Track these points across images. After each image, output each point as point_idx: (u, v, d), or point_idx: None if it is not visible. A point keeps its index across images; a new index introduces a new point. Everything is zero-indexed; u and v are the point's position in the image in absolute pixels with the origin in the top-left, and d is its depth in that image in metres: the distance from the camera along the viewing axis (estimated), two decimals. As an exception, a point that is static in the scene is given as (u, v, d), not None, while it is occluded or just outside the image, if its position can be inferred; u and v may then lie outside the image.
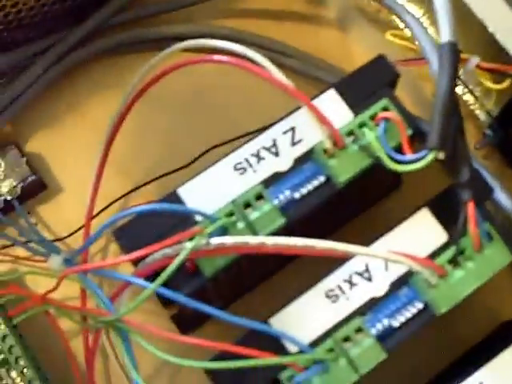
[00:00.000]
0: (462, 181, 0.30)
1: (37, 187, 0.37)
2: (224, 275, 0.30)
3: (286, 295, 0.30)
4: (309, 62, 0.38)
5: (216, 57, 0.29)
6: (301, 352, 0.29)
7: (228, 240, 0.29)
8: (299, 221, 0.30)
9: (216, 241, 0.29)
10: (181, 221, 0.30)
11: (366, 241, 0.30)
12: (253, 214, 0.30)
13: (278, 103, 0.31)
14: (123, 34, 0.39)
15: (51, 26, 0.37)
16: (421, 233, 0.31)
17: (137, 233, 0.30)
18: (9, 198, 0.36)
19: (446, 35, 0.30)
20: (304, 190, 0.31)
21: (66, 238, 0.36)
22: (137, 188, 0.36)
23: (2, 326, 0.33)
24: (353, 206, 0.35)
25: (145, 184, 0.36)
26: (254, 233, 0.30)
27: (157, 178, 0.36)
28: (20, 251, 0.36)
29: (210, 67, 0.31)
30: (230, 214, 0.30)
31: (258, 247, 0.28)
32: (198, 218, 0.30)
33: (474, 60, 0.36)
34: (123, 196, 0.36)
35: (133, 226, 0.30)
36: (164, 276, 0.28)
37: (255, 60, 0.29)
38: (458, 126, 0.30)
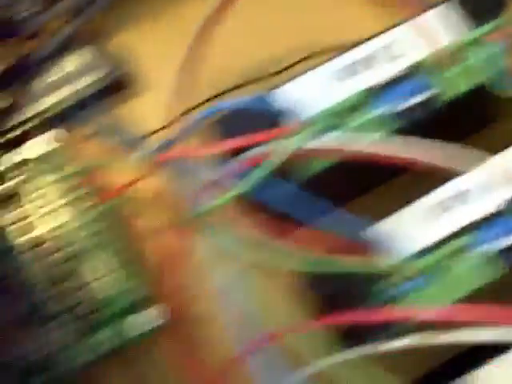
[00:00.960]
0: None
1: (121, 84, 0.36)
2: (317, 182, 0.29)
3: (386, 210, 0.29)
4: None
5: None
6: (406, 260, 0.28)
7: (327, 142, 0.28)
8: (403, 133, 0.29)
9: (314, 142, 0.28)
10: (276, 123, 0.29)
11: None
12: (353, 122, 0.29)
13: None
14: None
15: None
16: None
17: (230, 130, 0.29)
18: (91, 91, 0.35)
19: None
20: (405, 104, 0.29)
21: (149, 135, 0.35)
22: (227, 91, 0.34)
23: (87, 211, 0.33)
24: (451, 131, 0.34)
25: (235, 88, 0.34)
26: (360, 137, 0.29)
27: (250, 82, 0.34)
28: (103, 145, 0.35)
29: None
30: (330, 119, 0.29)
31: (359, 153, 0.27)
32: (297, 120, 0.29)
33: None
34: (212, 98, 0.34)
35: (223, 123, 0.29)
36: (257, 174, 0.27)
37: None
38: None
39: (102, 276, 0.33)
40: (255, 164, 0.28)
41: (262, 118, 0.29)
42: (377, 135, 0.29)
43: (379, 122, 0.29)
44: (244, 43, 0.36)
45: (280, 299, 0.33)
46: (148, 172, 0.31)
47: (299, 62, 0.33)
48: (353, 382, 0.27)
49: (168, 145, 0.32)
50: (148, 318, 0.32)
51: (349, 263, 0.27)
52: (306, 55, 0.33)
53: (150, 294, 0.32)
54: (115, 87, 0.36)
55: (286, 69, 0.34)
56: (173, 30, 0.37)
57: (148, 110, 0.36)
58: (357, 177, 0.31)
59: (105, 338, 0.32)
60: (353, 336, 0.29)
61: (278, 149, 0.28)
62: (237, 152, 0.29)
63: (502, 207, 0.29)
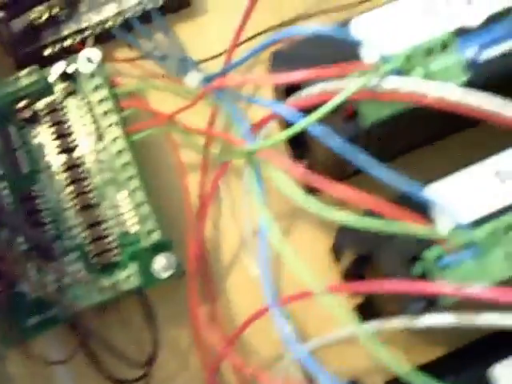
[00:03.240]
0: None
1: (179, 2, 0.33)
2: (386, 129, 0.26)
3: (451, 165, 0.26)
4: None
5: None
6: (457, 230, 0.25)
7: (404, 84, 0.24)
8: (483, 84, 0.26)
9: (389, 83, 0.24)
10: (348, 58, 0.26)
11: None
12: (434, 64, 0.26)
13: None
14: None
15: None
16: None
17: (295, 61, 0.26)
18: (149, 6, 0.32)
19: None
20: (495, 51, 0.26)
21: (206, 60, 0.32)
22: (294, 20, 0.31)
23: (120, 140, 0.30)
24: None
25: (307, 16, 0.31)
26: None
27: (320, 13, 0.31)
28: (153, 66, 0.32)
29: None
30: (409, 59, 0.25)
31: (437, 100, 0.24)
32: (371, 57, 0.25)
33: None
34: (277, 26, 0.31)
35: (291, 53, 0.26)
36: (320, 112, 0.24)
37: None
38: None
39: (127, 211, 0.30)
40: (320, 101, 0.25)
41: (336, 50, 0.26)
42: (455, 84, 0.25)
43: (462, 69, 0.26)
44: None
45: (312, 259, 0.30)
46: (195, 100, 0.28)
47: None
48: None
49: (224, 72, 0.29)
50: (168, 263, 0.29)
51: (397, 225, 0.24)
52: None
53: (171, 239, 0.30)
54: (171, 5, 0.33)
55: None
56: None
57: (209, 33, 0.33)
58: (424, 125, 0.28)
59: (123, 277, 0.30)
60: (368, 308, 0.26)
61: (347, 86, 0.24)
62: (300, 86, 0.26)
63: None
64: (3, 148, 0.31)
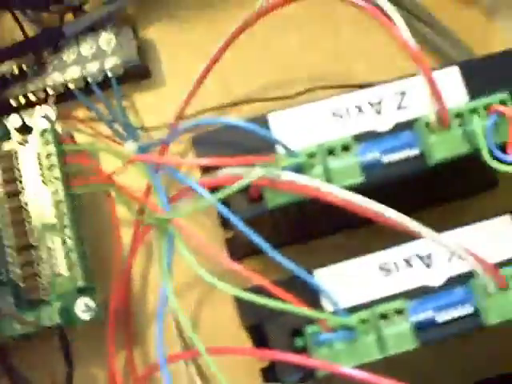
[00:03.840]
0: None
1: (140, 73, 0.37)
2: (285, 214, 0.29)
3: (341, 256, 0.29)
4: (441, 33, 0.36)
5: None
6: (335, 312, 0.28)
7: (300, 179, 0.27)
8: (378, 187, 0.29)
9: (288, 176, 0.28)
10: (261, 147, 0.29)
11: (439, 230, 0.28)
12: (334, 163, 0.29)
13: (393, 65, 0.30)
14: None
15: None
16: (497, 238, 0.29)
17: (215, 144, 0.29)
18: (110, 74, 0.36)
19: None
20: (393, 157, 0.29)
21: (149, 130, 0.35)
22: (234, 104, 0.35)
23: (60, 192, 0.33)
24: (438, 192, 0.33)
25: (242, 103, 0.34)
26: (329, 182, 0.28)
27: (256, 101, 0.34)
28: (103, 129, 0.35)
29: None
30: (311, 155, 0.29)
31: (328, 196, 0.27)
32: (280, 149, 0.29)
33: None
34: (219, 108, 0.35)
35: (214, 136, 0.30)
36: (227, 192, 0.28)
37: (387, 12, 0.28)
38: None
39: (59, 256, 0.33)
40: (225, 183, 0.28)
41: (251, 140, 0.29)
42: (351, 183, 0.29)
43: (359, 171, 0.29)
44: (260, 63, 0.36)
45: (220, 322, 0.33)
46: (126, 165, 0.32)
47: (304, 92, 0.33)
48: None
49: (151, 146, 0.32)
50: (88, 307, 0.32)
51: (283, 303, 0.27)
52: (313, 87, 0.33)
53: (94, 286, 0.33)
54: (132, 75, 0.36)
55: (288, 97, 0.34)
56: (202, 36, 0.37)
57: (163, 104, 0.37)
58: (319, 218, 0.31)
59: (47, 314, 0.33)
60: (271, 373, 0.29)
61: (252, 173, 0.28)
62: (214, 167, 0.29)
63: (440, 283, 0.29)
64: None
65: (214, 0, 0.37)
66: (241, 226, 0.28)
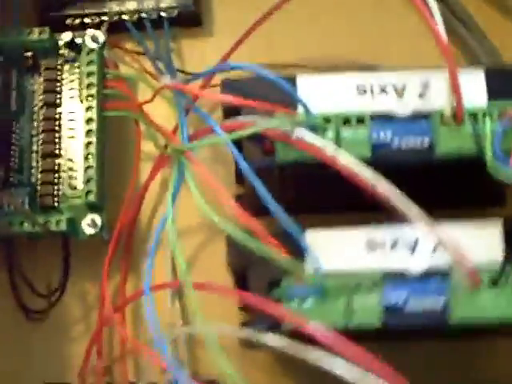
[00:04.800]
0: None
1: (192, 19, 0.39)
2: (296, 177, 0.31)
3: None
4: (476, 35, 0.38)
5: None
6: (314, 271, 0.29)
7: (310, 137, 0.29)
8: (383, 167, 0.30)
9: (301, 132, 0.29)
10: (285, 103, 0.30)
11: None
12: (346, 132, 0.30)
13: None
14: None
15: None
16: (485, 241, 0.30)
17: (242, 91, 0.31)
18: (163, 14, 0.37)
19: None
20: (404, 142, 0.30)
21: (189, 74, 0.37)
22: (278, 66, 0.37)
23: (93, 110, 0.35)
24: (439, 193, 0.34)
25: (286, 66, 0.37)
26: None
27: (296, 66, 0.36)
28: (147, 65, 0.38)
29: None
30: (327, 120, 0.30)
31: (331, 159, 0.29)
32: (300, 108, 0.30)
33: None
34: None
35: (242, 83, 0.31)
36: (240, 133, 0.29)
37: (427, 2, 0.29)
38: None
39: (78, 169, 0.35)
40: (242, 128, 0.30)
41: (276, 94, 0.31)
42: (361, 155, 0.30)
43: (368, 147, 0.30)
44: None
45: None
46: (154, 95, 0.34)
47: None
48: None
49: (188, 80, 0.34)
50: (94, 223, 0.35)
51: (266, 249, 0.28)
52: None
53: (105, 205, 0.35)
54: (184, 20, 0.38)
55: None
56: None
57: (203, 53, 0.39)
58: (331, 190, 0.33)
59: (55, 220, 0.35)
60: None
61: (267, 122, 0.29)
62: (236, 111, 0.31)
63: (419, 271, 0.30)
64: (1, 83, 0.36)
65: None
66: (246, 168, 0.29)
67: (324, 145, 0.29)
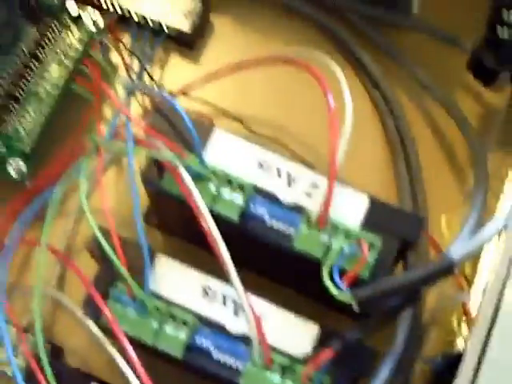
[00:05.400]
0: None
1: (186, 41, 0.43)
2: (180, 208, 0.34)
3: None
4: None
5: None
6: (144, 289, 0.33)
7: (188, 180, 0.33)
8: (245, 238, 0.34)
9: (183, 172, 0.33)
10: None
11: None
12: (225, 191, 0.34)
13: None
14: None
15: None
16: (292, 331, 0.34)
17: (167, 119, 0.35)
18: (164, 27, 0.42)
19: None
20: (274, 223, 0.34)
21: (158, 85, 0.42)
22: (225, 114, 0.41)
23: (62, 76, 0.40)
24: (287, 274, 0.37)
25: (233, 118, 0.41)
26: (212, 202, 0.34)
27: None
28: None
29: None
30: (214, 173, 0.34)
31: (195, 205, 0.33)
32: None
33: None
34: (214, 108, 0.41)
35: (170, 113, 0.35)
36: (141, 151, 0.34)
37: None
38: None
39: (27, 119, 0.40)
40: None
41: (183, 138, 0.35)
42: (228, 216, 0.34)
43: (239, 213, 0.34)
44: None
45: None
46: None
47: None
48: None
49: (135, 89, 0.39)
50: (21, 171, 0.39)
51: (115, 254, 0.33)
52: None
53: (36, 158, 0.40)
54: (180, 38, 0.43)
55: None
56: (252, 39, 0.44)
57: (181, 72, 0.43)
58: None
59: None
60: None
61: (163, 153, 0.34)
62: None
63: (234, 332, 0.33)
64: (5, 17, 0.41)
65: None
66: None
67: (194, 192, 0.33)
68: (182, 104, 0.36)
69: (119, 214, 0.36)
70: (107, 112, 0.41)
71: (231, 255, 0.32)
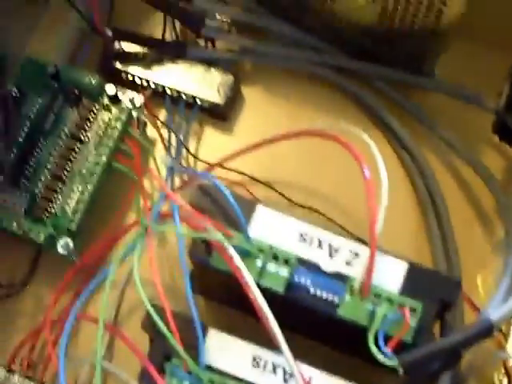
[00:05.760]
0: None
1: (220, 114, 0.45)
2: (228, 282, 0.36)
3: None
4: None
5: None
6: (199, 362, 0.35)
7: (237, 259, 0.35)
8: (291, 307, 0.36)
9: (233, 252, 0.35)
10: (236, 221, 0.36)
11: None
12: (271, 266, 0.36)
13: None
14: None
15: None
16: None
17: (211, 197, 0.37)
18: (198, 101, 0.44)
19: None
20: (318, 292, 0.36)
21: (196, 158, 0.44)
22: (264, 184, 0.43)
23: (103, 157, 0.42)
24: (336, 339, 0.39)
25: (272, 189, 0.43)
26: (259, 276, 0.35)
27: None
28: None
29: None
30: (260, 250, 0.36)
31: (244, 281, 0.34)
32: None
33: None
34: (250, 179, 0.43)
35: (214, 192, 0.37)
36: (191, 233, 0.35)
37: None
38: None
39: (72, 199, 0.42)
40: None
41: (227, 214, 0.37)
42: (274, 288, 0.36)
43: (285, 284, 0.36)
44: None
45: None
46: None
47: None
48: None
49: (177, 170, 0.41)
50: (69, 247, 0.41)
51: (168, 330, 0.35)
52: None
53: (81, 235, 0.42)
54: (214, 111, 0.45)
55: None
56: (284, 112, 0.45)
57: (217, 144, 0.45)
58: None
59: (36, 230, 0.42)
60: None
61: (211, 233, 0.35)
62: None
63: None
64: (48, 104, 0.43)
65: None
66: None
67: (243, 270, 0.34)
68: (218, 174, 0.39)
69: (163, 283, 0.37)
70: (150, 185, 0.42)
71: (278, 321, 0.33)
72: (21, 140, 0.42)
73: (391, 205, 0.36)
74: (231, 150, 0.42)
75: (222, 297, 0.40)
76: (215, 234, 0.35)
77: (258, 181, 0.43)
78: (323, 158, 0.43)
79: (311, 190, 0.43)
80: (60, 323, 0.40)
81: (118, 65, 0.45)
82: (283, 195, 0.42)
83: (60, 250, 0.41)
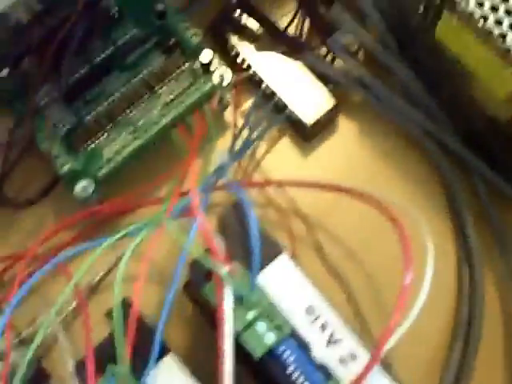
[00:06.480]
0: None
1: (303, 131, 0.40)
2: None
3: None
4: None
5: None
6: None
7: (228, 302, 0.31)
8: (260, 372, 0.32)
9: (227, 293, 0.31)
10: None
11: None
12: (259, 325, 0.32)
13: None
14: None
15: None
16: None
17: (240, 220, 0.33)
18: (293, 116, 0.40)
19: None
20: (294, 376, 0.32)
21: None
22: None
23: (167, 118, 0.39)
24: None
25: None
26: (242, 327, 0.32)
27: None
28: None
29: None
30: (257, 304, 0.32)
31: (221, 330, 0.31)
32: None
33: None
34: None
35: (242, 213, 0.33)
36: (200, 258, 0.32)
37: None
38: None
39: (117, 145, 0.39)
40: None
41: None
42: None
43: (267, 347, 0.32)
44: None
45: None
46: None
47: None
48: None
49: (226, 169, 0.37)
50: (87, 191, 0.38)
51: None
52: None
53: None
54: (300, 129, 0.40)
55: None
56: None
57: (282, 159, 0.41)
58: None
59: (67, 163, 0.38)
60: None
61: (217, 266, 0.32)
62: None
63: None
64: (140, 39, 0.40)
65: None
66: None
67: (228, 315, 0.31)
68: (270, 193, 0.35)
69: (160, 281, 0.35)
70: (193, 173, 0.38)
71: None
72: (96, 62, 0.39)
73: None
74: (296, 175, 0.39)
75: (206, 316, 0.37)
76: (221, 269, 0.31)
77: (300, 217, 0.39)
78: (380, 232, 0.38)
79: (351, 253, 0.38)
80: (40, 261, 0.37)
81: (229, 34, 0.40)
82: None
83: (77, 189, 0.38)
